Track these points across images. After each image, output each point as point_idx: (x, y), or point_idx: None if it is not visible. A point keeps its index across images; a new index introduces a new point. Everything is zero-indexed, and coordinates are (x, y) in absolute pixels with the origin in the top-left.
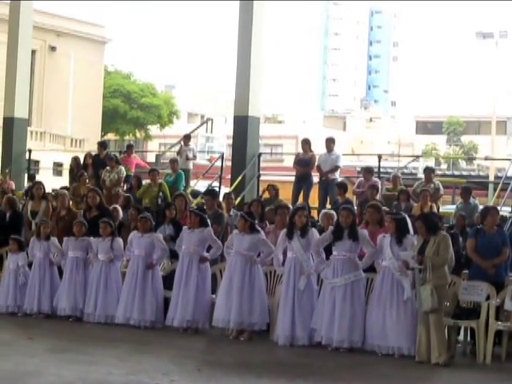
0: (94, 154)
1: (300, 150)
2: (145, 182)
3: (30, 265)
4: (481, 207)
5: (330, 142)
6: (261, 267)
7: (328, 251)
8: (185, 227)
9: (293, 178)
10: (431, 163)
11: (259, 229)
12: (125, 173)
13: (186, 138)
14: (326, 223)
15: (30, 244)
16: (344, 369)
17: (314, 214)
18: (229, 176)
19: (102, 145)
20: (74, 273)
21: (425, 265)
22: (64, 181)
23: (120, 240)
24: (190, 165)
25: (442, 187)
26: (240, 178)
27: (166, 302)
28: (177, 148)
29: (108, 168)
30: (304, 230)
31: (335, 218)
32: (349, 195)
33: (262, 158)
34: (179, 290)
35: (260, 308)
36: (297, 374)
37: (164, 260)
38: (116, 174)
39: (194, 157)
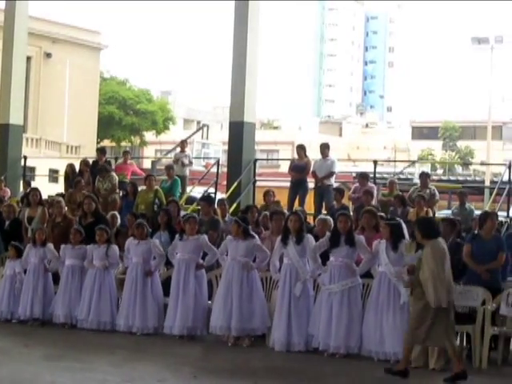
0: (90, 160)
1: (296, 156)
2: (140, 188)
3: (25, 271)
4: (477, 212)
5: (324, 148)
6: (257, 272)
7: (325, 257)
8: (177, 235)
9: (288, 184)
10: (427, 168)
11: (254, 234)
12: (117, 178)
13: (182, 143)
14: (322, 229)
15: (26, 250)
16: (341, 375)
17: (310, 219)
18: (225, 182)
19: (102, 151)
20: (70, 280)
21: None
22: (60, 187)
23: (115, 247)
24: (187, 171)
25: (437, 192)
26: (236, 183)
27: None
28: (173, 154)
29: (99, 178)
30: (299, 236)
31: (331, 223)
32: (344, 201)
33: (257, 164)
34: (177, 297)
35: (260, 313)
36: (293, 380)
37: (162, 266)
38: (109, 182)
39: (190, 163)
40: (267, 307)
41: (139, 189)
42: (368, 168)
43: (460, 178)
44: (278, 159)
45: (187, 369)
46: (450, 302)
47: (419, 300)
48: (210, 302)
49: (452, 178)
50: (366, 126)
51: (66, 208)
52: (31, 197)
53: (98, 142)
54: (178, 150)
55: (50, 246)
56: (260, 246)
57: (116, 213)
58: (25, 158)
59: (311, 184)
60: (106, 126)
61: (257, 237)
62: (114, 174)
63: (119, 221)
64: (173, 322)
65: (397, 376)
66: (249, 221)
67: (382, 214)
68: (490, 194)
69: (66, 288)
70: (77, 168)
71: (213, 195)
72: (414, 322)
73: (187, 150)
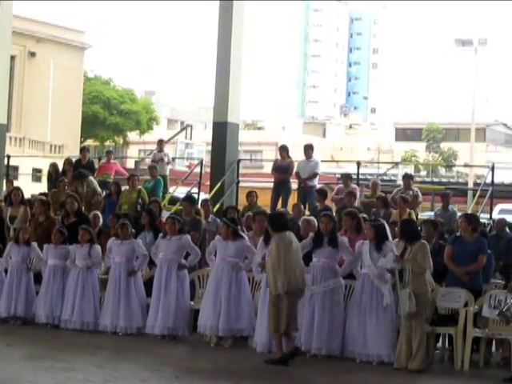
0: (73, 159)
1: (279, 157)
2: (124, 188)
3: (6, 270)
4: (459, 214)
5: (308, 149)
6: (245, 273)
7: (309, 258)
8: (160, 234)
9: (272, 185)
10: (410, 170)
11: (243, 235)
12: (95, 181)
13: (160, 143)
14: (306, 230)
15: (7, 249)
16: (323, 376)
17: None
18: (208, 182)
19: (88, 150)
20: (52, 280)
21: (405, 268)
22: (43, 187)
23: (98, 247)
24: (167, 171)
25: (420, 194)
26: (219, 184)
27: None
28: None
29: (76, 184)
30: None
31: (315, 224)
32: (327, 202)
33: (241, 165)
34: (159, 297)
35: (247, 314)
36: (275, 380)
37: (145, 266)
38: (87, 188)
39: (168, 162)
40: (254, 308)
41: (122, 189)
42: (351, 169)
43: (443, 180)
44: (261, 160)
45: (169, 369)
46: (293, 291)
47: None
48: (192, 302)
49: (435, 179)
50: (350, 127)
51: (50, 207)
52: (13, 196)
53: (81, 142)
54: (156, 150)
55: (35, 245)
56: (250, 246)
57: (98, 212)
58: (8, 157)
59: (294, 185)
60: (90, 125)
61: (246, 238)
62: (91, 178)
63: (101, 220)
64: (154, 322)
65: (279, 365)
66: (237, 221)
67: (365, 215)
68: (473, 196)
69: (48, 288)
70: (60, 167)
71: (196, 195)
72: (270, 311)
73: (165, 149)
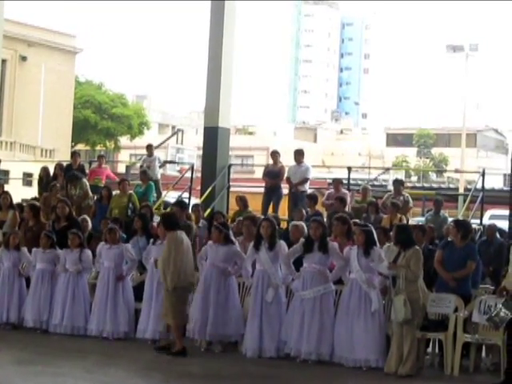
0: (64, 164)
1: (270, 162)
2: (115, 192)
3: None
4: (450, 219)
5: (298, 154)
6: (235, 279)
7: (299, 263)
8: (151, 239)
9: (263, 190)
10: (401, 175)
11: (234, 240)
12: (88, 184)
13: (149, 148)
14: (296, 235)
15: None
16: (313, 381)
17: (284, 225)
18: (199, 187)
19: (79, 155)
20: (40, 285)
21: (398, 275)
22: (34, 191)
23: (89, 252)
24: (159, 175)
25: (411, 199)
26: (210, 189)
27: (136, 313)
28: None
29: (70, 186)
30: (272, 242)
31: (304, 229)
32: (318, 207)
33: (232, 170)
34: (150, 302)
35: (235, 319)
36: None
37: (133, 271)
38: (80, 189)
39: (160, 164)
40: (242, 314)
41: (113, 193)
42: (342, 174)
43: (434, 185)
44: (252, 165)
45: (160, 374)
46: (182, 286)
47: None
48: None
49: (426, 184)
50: (341, 132)
51: (41, 212)
52: (2, 200)
53: (72, 146)
54: (145, 155)
55: (24, 250)
56: (239, 252)
57: (86, 217)
58: None
59: (285, 190)
60: (81, 129)
61: (237, 243)
62: (84, 180)
63: (90, 225)
64: (146, 326)
65: (178, 356)
66: (228, 226)
67: (357, 220)
68: (464, 202)
69: (36, 292)
70: (51, 172)
71: (187, 200)
72: (165, 305)
73: (155, 153)
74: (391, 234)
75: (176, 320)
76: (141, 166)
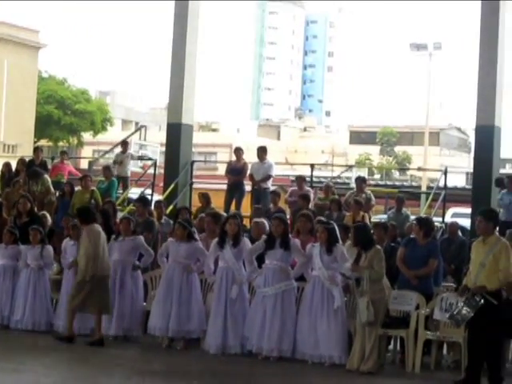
0: (27, 159)
1: (233, 159)
2: (77, 188)
3: None
4: (412, 217)
5: (261, 151)
6: (197, 275)
7: (261, 260)
8: (113, 236)
9: (225, 187)
10: (364, 173)
11: (196, 237)
12: (49, 180)
13: (124, 144)
14: (257, 232)
15: None
16: (274, 377)
17: (246, 222)
18: (162, 183)
19: (41, 150)
20: (1, 281)
21: (362, 276)
22: None
23: (50, 248)
24: (128, 172)
25: (373, 197)
26: (173, 185)
27: None
28: (113, 155)
29: (31, 182)
30: (236, 239)
31: (265, 226)
32: (281, 204)
33: (195, 166)
34: (114, 298)
35: (198, 316)
36: (228, 382)
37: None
38: (42, 186)
39: (134, 159)
40: (204, 310)
41: (76, 189)
42: (305, 172)
43: (397, 183)
44: (215, 161)
45: (122, 370)
46: (102, 276)
47: None
48: (145, 303)
49: (389, 182)
50: (305, 129)
51: (3, 207)
52: None
53: (35, 142)
54: (119, 150)
55: None
56: (202, 249)
57: (46, 212)
58: None
59: (248, 187)
60: (44, 125)
61: (199, 240)
62: (46, 176)
63: (50, 220)
64: (109, 323)
65: (64, 342)
66: (192, 223)
67: (322, 218)
68: (427, 200)
69: None
70: (13, 167)
71: (149, 197)
72: (73, 292)
73: (129, 150)
74: (349, 234)
75: (99, 307)
76: (114, 162)
